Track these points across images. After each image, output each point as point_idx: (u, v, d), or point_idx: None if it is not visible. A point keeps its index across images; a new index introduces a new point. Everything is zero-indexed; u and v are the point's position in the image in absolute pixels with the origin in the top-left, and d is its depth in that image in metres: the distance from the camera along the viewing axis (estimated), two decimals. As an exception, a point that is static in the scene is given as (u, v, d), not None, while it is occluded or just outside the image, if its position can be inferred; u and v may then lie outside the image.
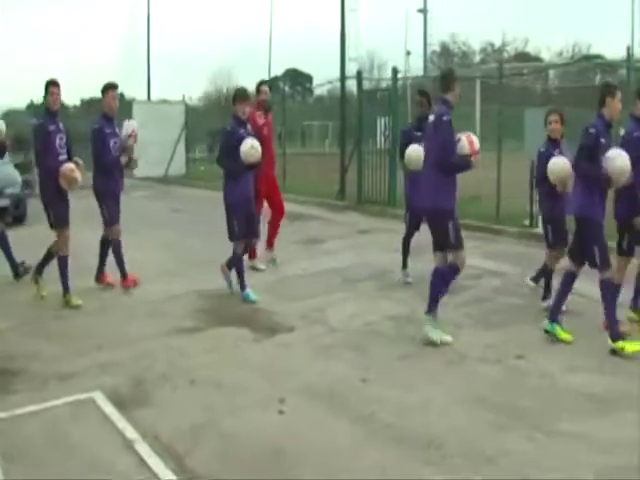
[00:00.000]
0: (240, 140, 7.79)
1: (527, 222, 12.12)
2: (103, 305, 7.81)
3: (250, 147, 7.78)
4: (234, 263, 8.10)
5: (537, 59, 59.56)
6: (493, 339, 6.54)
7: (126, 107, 29.67)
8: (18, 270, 8.87)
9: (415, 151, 7.88)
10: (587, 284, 6.61)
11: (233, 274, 8.13)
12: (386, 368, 5.86)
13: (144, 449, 4.48)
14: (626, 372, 5.79)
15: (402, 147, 8.46)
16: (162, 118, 23.32)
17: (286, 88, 54.81)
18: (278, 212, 9.94)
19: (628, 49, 12.26)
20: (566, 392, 5.41)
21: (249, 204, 8.07)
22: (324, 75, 65.71)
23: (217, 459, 4.38)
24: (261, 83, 9.88)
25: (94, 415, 5.01)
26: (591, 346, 6.40)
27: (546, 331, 6.51)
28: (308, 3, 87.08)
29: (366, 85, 18.55)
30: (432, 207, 6.46)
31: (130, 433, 4.69)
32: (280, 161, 19.14)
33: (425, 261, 9.97)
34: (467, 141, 6.44)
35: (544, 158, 7.08)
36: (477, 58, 64.19)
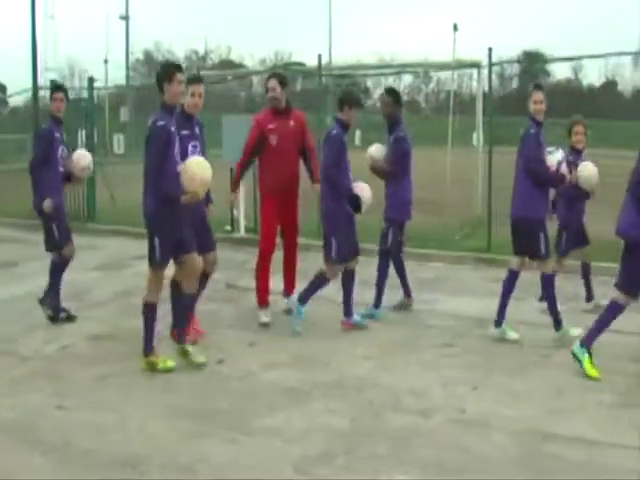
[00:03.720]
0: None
1: (229, 227, 12.41)
2: None
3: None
4: (315, 284, 7.08)
5: (241, 66, 61.31)
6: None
7: None
8: (57, 314, 7.42)
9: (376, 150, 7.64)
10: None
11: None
12: (83, 391, 5.64)
13: None
14: (321, 363, 6.17)
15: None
16: None
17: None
18: (291, 250, 7.82)
19: (319, 57, 12.72)
20: (265, 389, 5.62)
21: (352, 216, 7.10)
22: (22, 85, 62.08)
23: None
24: (270, 77, 7.66)
25: None
26: (287, 342, 6.76)
27: (573, 354, 5.87)
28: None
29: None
30: (522, 217, 6.53)
31: None
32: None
33: (121, 276, 9.76)
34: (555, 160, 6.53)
35: (570, 166, 7.11)
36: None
